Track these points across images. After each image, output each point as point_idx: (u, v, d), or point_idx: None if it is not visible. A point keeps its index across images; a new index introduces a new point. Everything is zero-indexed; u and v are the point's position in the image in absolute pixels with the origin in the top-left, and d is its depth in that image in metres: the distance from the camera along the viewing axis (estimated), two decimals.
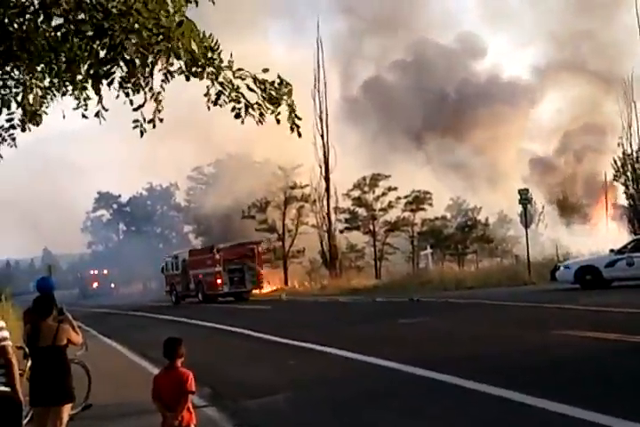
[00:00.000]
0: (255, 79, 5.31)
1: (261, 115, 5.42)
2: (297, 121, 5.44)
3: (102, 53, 5.06)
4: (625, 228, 43.40)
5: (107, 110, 5.33)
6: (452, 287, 32.30)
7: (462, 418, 8.22)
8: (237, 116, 5.39)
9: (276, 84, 5.32)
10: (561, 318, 17.06)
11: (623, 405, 7.88)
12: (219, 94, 5.33)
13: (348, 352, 13.73)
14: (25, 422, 7.09)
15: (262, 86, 5.30)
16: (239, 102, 5.36)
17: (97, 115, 5.33)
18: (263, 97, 5.35)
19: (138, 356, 16.26)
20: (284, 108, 5.47)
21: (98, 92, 5.28)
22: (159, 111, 5.23)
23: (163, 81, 5.29)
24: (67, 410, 7.34)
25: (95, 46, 5.05)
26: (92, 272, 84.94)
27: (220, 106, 5.40)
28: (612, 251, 25.48)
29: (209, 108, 5.32)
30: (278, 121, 5.41)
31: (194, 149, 57.31)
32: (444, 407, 8.84)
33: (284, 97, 5.32)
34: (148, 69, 5.19)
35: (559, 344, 12.68)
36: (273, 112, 5.42)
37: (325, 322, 21.56)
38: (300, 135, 5.48)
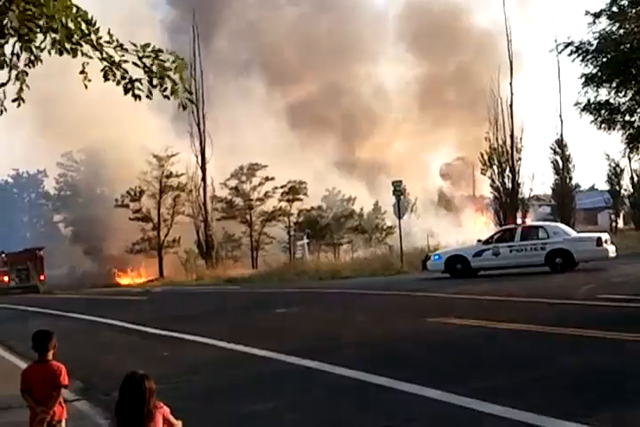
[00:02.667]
0: (140, 56, 5.13)
1: (149, 91, 5.23)
2: (188, 96, 5.32)
3: None
4: (491, 219, 45.45)
5: None
6: (327, 277, 32.77)
7: (334, 404, 8.38)
8: (126, 91, 5.20)
9: (163, 58, 5.17)
10: (433, 305, 17.65)
11: (491, 387, 8.27)
12: (106, 72, 5.13)
13: (223, 342, 13.71)
14: None
15: (149, 61, 5.13)
16: (125, 78, 5.19)
17: None
18: (148, 70, 5.17)
19: (1, 349, 15.59)
20: (170, 84, 5.31)
21: None
22: (22, 90, 4.99)
23: (31, 62, 5.02)
24: None
25: None
26: None
27: (118, 83, 5.17)
28: (479, 241, 26.56)
29: (86, 86, 5.12)
30: (166, 97, 5.25)
31: (63, 135, 54.96)
32: (317, 395, 8.98)
33: (174, 71, 5.18)
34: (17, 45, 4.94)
35: (430, 331, 13.13)
36: (161, 86, 5.24)
37: (200, 312, 21.39)
38: (185, 108, 5.36)
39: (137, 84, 5.21)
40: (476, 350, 10.91)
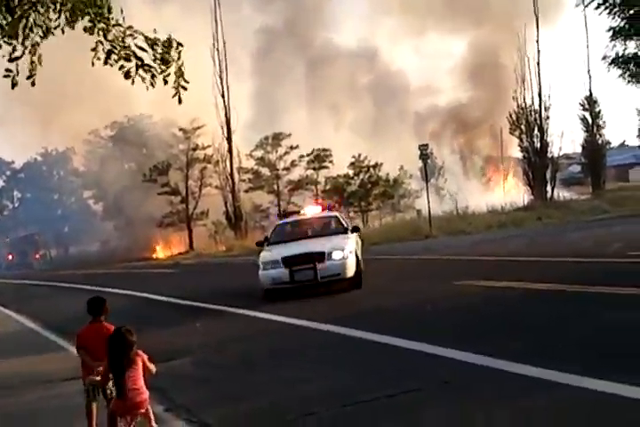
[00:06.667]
0: (146, 38, 5.12)
1: (153, 76, 5.24)
2: (183, 83, 5.28)
3: None
4: (520, 180, 44.96)
5: None
6: None
7: (365, 369, 8.36)
8: (127, 75, 5.19)
9: (166, 44, 5.14)
10: (459, 268, 17.54)
11: (523, 349, 8.20)
12: (109, 53, 5.11)
13: (255, 311, 13.76)
14: None
15: (153, 46, 5.10)
16: (129, 61, 5.16)
17: None
18: (154, 57, 5.16)
19: (38, 325, 15.82)
20: (173, 71, 5.32)
21: None
22: (33, 65, 4.95)
23: (43, 34, 4.99)
24: None
25: None
26: None
27: (111, 65, 5.18)
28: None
29: (93, 64, 5.09)
30: (166, 82, 5.22)
31: (89, 112, 55.20)
32: (347, 360, 8.97)
33: (175, 58, 5.15)
34: (30, 20, 4.90)
35: (458, 294, 13.03)
36: (163, 72, 5.24)
37: (231, 283, 21.48)
38: (180, 102, 5.34)
39: (140, 70, 5.18)
40: (507, 312, 10.79)
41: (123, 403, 5.56)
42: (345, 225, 17.32)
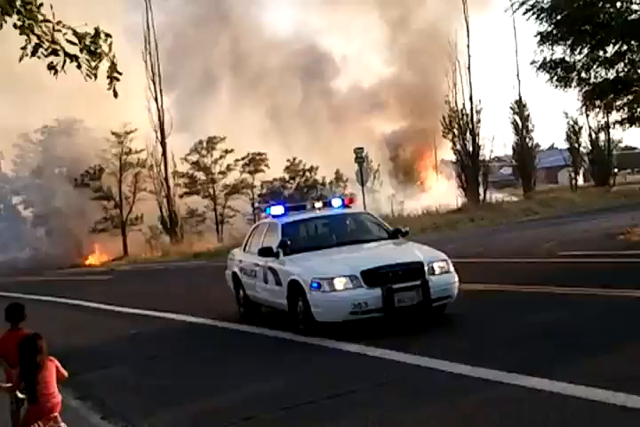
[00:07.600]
0: (75, 32, 5.02)
1: (79, 66, 5.14)
2: (117, 75, 5.17)
3: None
4: (454, 182, 45.71)
5: None
6: None
7: (308, 372, 8.36)
8: (51, 67, 5.10)
9: (95, 38, 5.04)
10: None
11: (455, 348, 8.32)
12: (36, 47, 5.00)
13: (191, 317, 13.61)
14: None
15: (81, 39, 5.01)
16: (57, 55, 5.07)
17: None
18: (83, 50, 5.07)
19: None
20: (106, 65, 5.22)
21: None
22: None
23: None
24: None
25: None
26: None
27: (39, 57, 5.07)
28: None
29: (20, 59, 4.98)
30: (96, 76, 5.12)
31: (18, 115, 53.68)
32: (290, 364, 8.97)
33: (105, 50, 5.05)
34: None
35: None
36: (95, 66, 5.14)
37: (165, 289, 21.24)
38: (115, 95, 5.22)
39: (68, 61, 5.08)
40: (443, 313, 10.92)
41: (36, 408, 5.55)
42: (388, 228, 12.21)
